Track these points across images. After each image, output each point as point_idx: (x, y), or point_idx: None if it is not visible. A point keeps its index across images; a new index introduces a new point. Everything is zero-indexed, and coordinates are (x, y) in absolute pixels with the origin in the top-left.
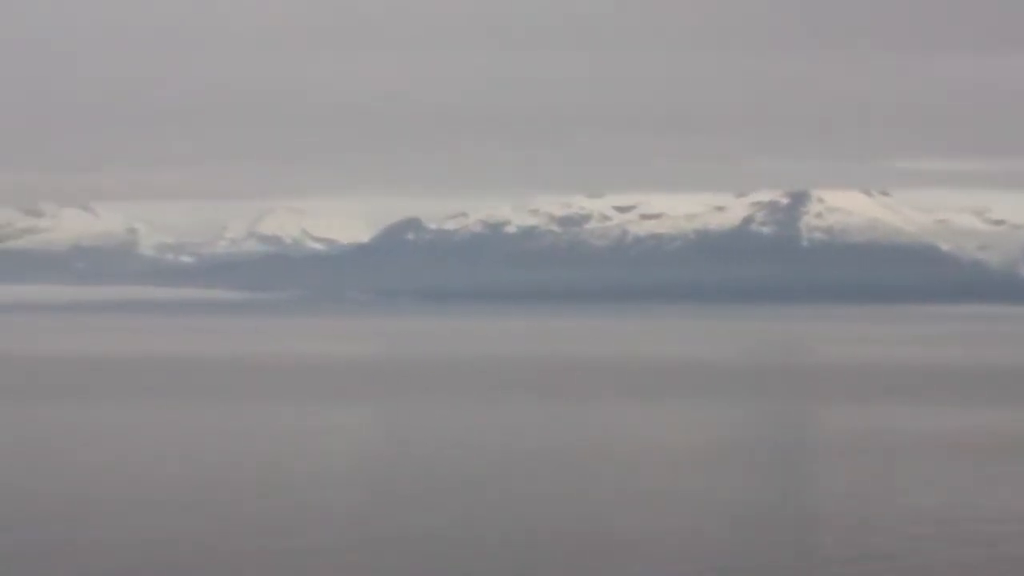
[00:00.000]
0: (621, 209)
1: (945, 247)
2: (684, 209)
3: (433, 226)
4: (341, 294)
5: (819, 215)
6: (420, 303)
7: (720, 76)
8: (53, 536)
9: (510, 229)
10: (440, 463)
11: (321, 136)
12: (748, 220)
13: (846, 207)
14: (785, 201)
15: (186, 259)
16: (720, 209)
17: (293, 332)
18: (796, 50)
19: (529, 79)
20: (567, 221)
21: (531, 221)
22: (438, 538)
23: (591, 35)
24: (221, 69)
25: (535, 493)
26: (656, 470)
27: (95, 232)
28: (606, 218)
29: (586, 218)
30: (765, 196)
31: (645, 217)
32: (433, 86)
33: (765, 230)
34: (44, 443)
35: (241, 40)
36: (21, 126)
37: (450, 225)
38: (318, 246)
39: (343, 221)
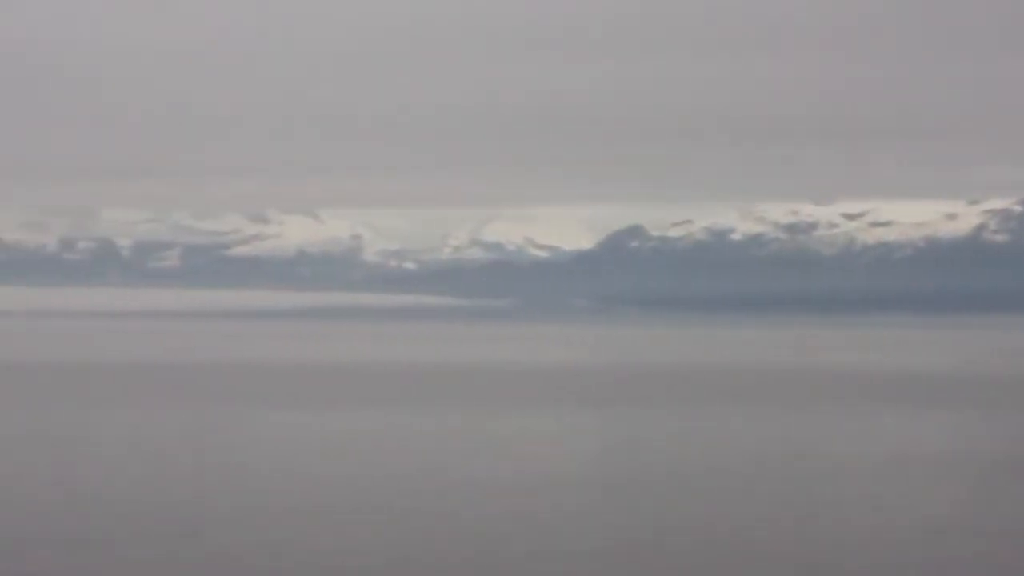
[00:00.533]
0: (850, 216)
1: None
2: (914, 217)
3: (657, 233)
4: (563, 301)
5: None
6: (643, 311)
7: (952, 81)
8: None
9: (735, 236)
10: (682, 469)
11: (546, 145)
12: (980, 228)
13: None
14: (1019, 209)
15: (409, 266)
16: (951, 217)
17: (514, 339)
18: None
19: (755, 84)
20: (794, 228)
21: (757, 228)
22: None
23: (819, 40)
24: (448, 80)
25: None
26: (930, 482)
27: (320, 239)
28: (834, 226)
29: (813, 226)
30: (998, 204)
31: (874, 225)
32: (659, 92)
33: (998, 238)
34: (292, 450)
35: (466, 49)
36: (248, 135)
37: (674, 232)
38: (541, 253)
39: (567, 228)
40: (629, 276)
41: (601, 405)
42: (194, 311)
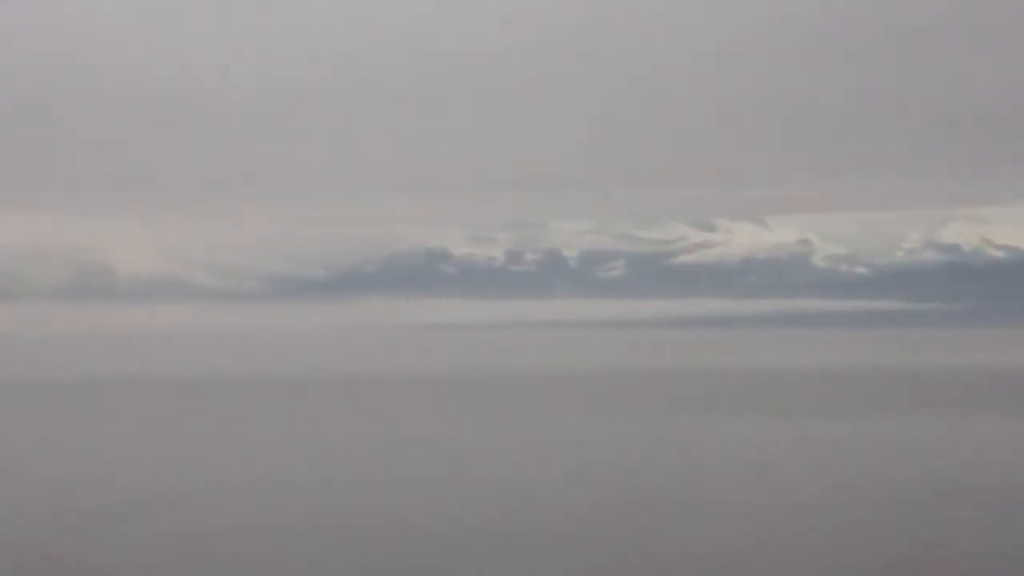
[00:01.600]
0: None
1: None
2: None
3: None
4: (1021, 303)
5: None
6: None
7: None
8: None
9: None
10: None
11: (1004, 142)
12: None
13: None
14: None
15: (860, 270)
16: None
17: (969, 344)
18: None
19: None
20: None
21: None
22: None
23: None
24: (893, 76)
25: None
26: None
27: (768, 245)
28: None
29: None
30: None
31: None
32: None
33: None
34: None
35: (913, 45)
36: (681, 141)
37: None
38: (999, 254)
39: None
40: None
41: None
42: (641, 320)
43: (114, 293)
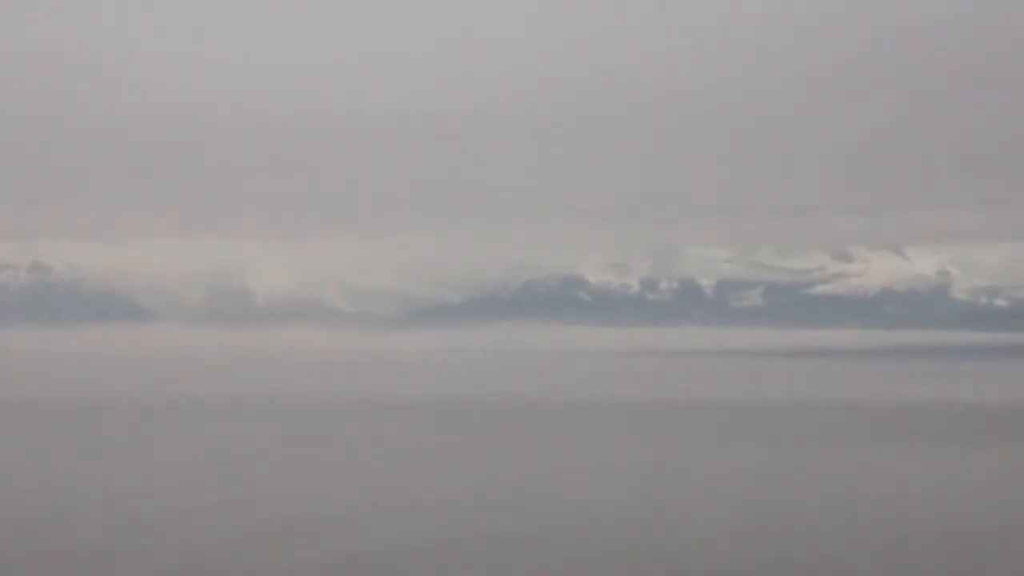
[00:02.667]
0: None
1: None
2: None
3: None
4: None
5: None
6: None
7: None
8: None
9: None
10: None
11: None
12: None
13: None
14: None
15: (1001, 303)
16: None
17: None
18: None
19: None
20: None
21: None
22: None
23: None
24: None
25: None
26: None
27: (907, 276)
28: None
29: None
30: None
31: None
32: None
33: None
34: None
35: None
36: (827, 171)
37: None
38: None
39: None
40: None
41: None
42: (777, 350)
43: (252, 315)
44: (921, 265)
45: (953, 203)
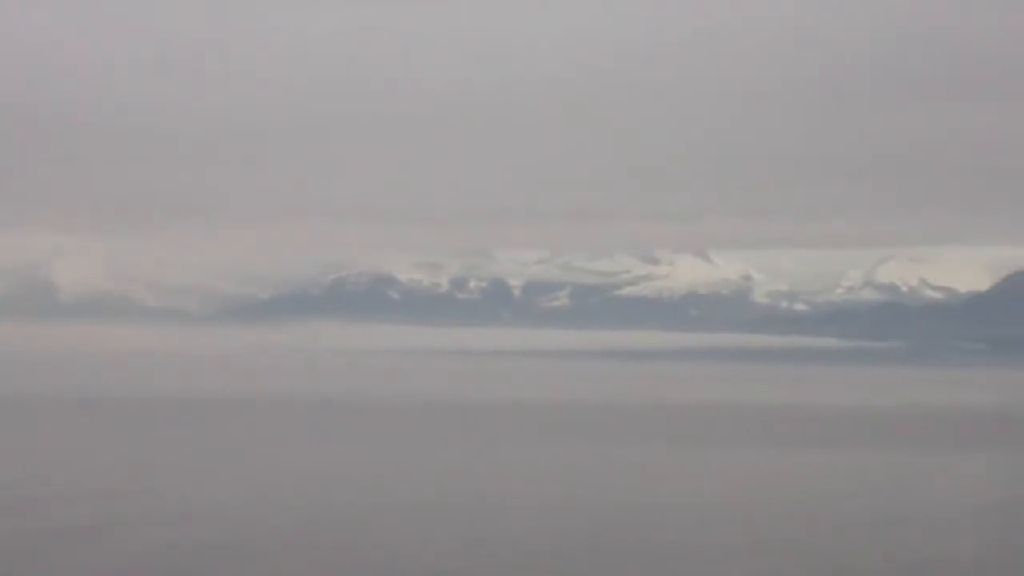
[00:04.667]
0: None
1: None
2: None
3: None
4: (955, 344)
5: None
6: None
7: None
8: None
9: None
10: None
11: (943, 183)
12: None
13: None
14: None
15: (800, 307)
16: None
17: (898, 382)
18: None
19: None
20: None
21: None
22: None
23: None
24: (843, 122)
25: None
26: None
27: (711, 280)
28: None
29: None
30: None
31: None
32: None
33: None
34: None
35: (858, 93)
36: (632, 178)
37: None
38: (936, 295)
39: (963, 269)
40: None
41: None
42: (584, 351)
43: (55, 310)
44: (725, 269)
45: (757, 210)
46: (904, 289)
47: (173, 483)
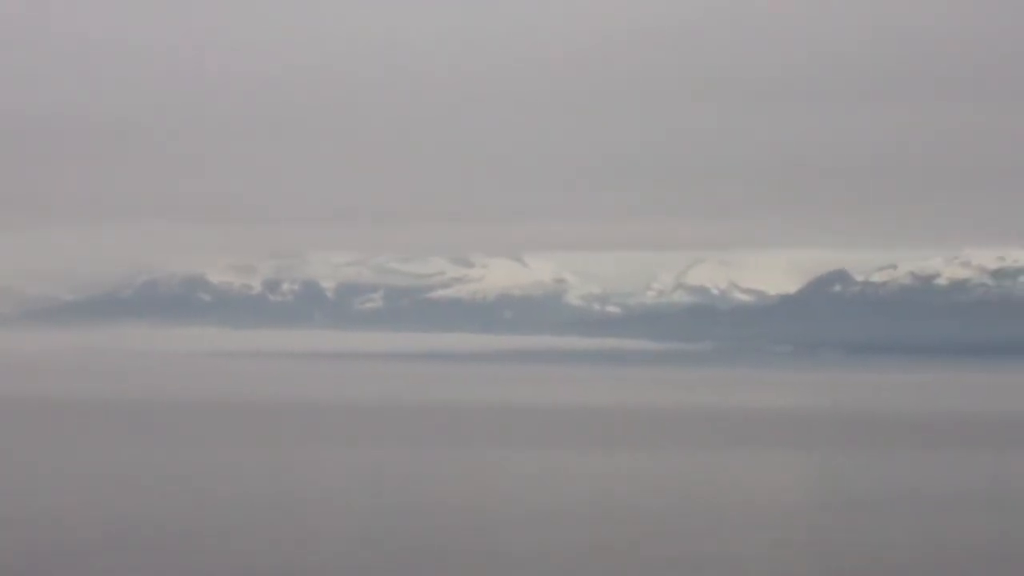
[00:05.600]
0: None
1: None
2: None
3: (860, 279)
4: (763, 346)
5: None
6: (844, 357)
7: None
8: None
9: (940, 282)
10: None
11: (751, 189)
12: None
13: None
14: None
15: (612, 310)
16: None
17: (710, 384)
18: None
19: (960, 129)
20: (1000, 274)
21: (962, 274)
22: None
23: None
24: (652, 124)
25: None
26: None
27: (524, 282)
28: None
29: (1021, 271)
30: None
31: None
32: (863, 137)
33: None
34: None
35: (675, 95)
36: (451, 178)
37: (878, 278)
38: (745, 298)
39: (771, 273)
40: (831, 321)
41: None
42: (398, 353)
43: None
44: (539, 272)
45: (570, 213)
46: (715, 292)
47: None
